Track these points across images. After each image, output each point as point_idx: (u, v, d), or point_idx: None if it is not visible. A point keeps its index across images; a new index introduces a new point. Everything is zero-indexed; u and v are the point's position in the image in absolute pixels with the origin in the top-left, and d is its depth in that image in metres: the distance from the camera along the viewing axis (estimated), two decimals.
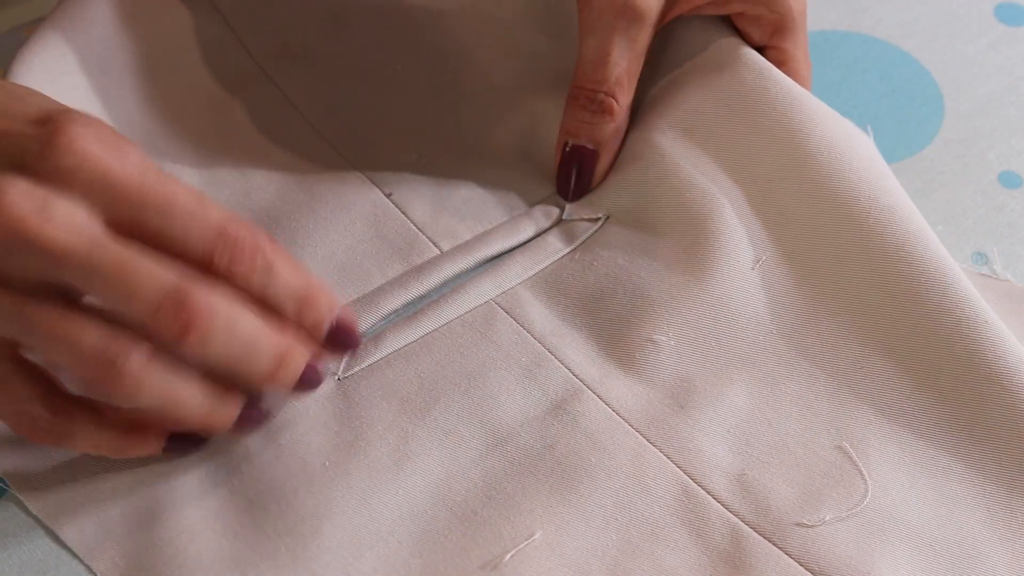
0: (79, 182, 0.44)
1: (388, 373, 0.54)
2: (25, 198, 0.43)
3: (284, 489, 0.51)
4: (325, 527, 0.50)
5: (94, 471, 0.51)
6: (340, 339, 0.49)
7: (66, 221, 0.43)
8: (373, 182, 0.61)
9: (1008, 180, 0.65)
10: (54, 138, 0.44)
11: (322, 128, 0.63)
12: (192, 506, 0.50)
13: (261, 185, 0.60)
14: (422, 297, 0.57)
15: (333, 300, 0.49)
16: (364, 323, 0.56)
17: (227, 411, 0.49)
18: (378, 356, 0.55)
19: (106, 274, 0.44)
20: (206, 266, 0.45)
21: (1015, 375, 0.53)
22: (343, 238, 0.59)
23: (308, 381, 0.49)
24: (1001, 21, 0.72)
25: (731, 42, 0.62)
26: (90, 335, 0.44)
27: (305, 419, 0.53)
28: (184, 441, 0.50)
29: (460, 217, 0.60)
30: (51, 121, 0.45)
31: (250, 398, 0.49)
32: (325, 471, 0.51)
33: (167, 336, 0.44)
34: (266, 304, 0.47)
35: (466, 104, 0.65)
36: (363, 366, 0.55)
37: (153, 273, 0.44)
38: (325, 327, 0.49)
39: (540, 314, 0.57)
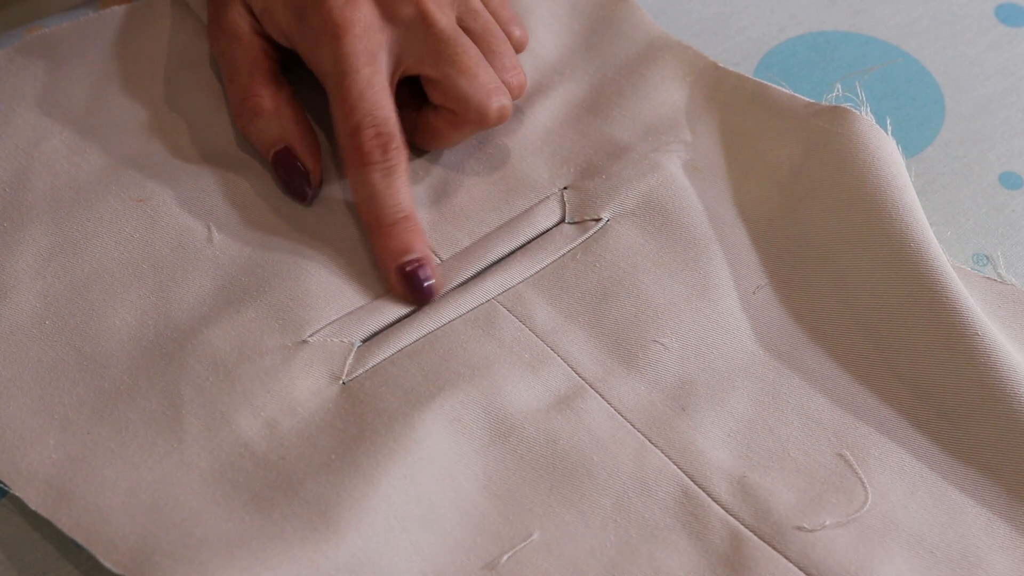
0: None
1: (392, 370, 0.55)
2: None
3: (290, 480, 0.51)
4: (332, 511, 0.50)
5: (91, 465, 0.51)
6: None
7: (447, 12, 0.60)
8: None
9: (1009, 181, 0.65)
10: None
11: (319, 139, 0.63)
12: (196, 497, 0.50)
13: (260, 196, 0.60)
14: None
15: None
16: (367, 330, 0.56)
17: (419, 238, 0.58)
18: (381, 357, 0.55)
19: (467, 53, 0.59)
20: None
21: (1007, 384, 0.54)
22: (343, 247, 0.59)
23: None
24: (1002, 22, 0.72)
25: (728, 76, 0.65)
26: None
27: (311, 424, 0.53)
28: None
29: (459, 224, 0.60)
30: None
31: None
32: (332, 462, 0.51)
33: (494, 111, 0.59)
34: None
35: None
36: (366, 368, 0.55)
37: (491, 72, 0.60)
38: None
39: (542, 312, 0.57)
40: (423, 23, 0.59)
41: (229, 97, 0.62)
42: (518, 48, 0.64)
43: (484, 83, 0.59)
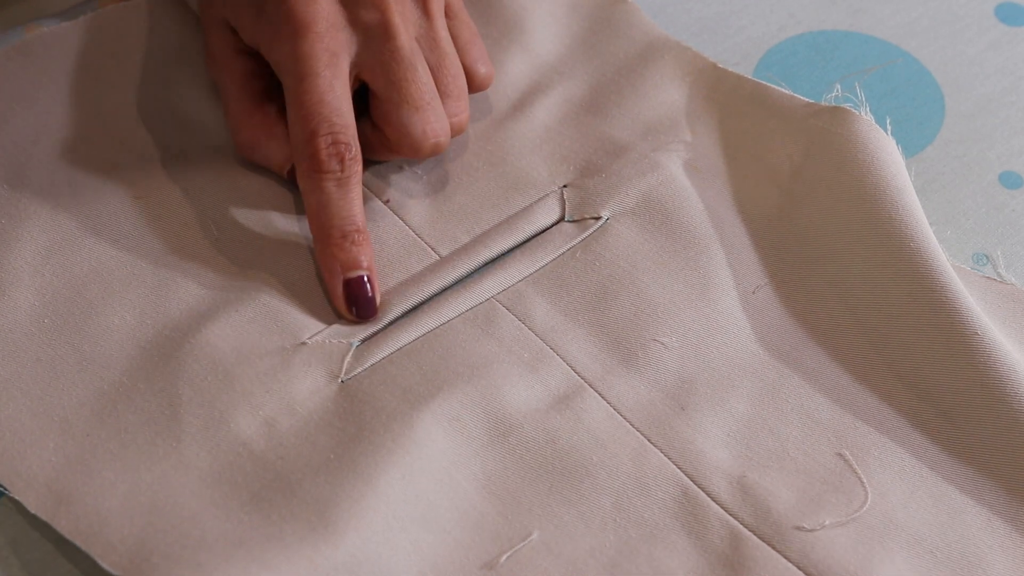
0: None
1: (390, 369, 0.55)
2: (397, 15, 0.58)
3: (289, 480, 0.51)
4: (331, 511, 0.50)
5: (91, 468, 0.51)
6: None
7: (409, 31, 0.59)
8: (370, 190, 0.61)
9: (1009, 180, 0.65)
10: None
11: None
12: (194, 498, 0.50)
13: (258, 192, 0.60)
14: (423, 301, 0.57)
15: None
16: (366, 330, 0.56)
17: (368, 253, 0.56)
18: (379, 356, 0.55)
19: (416, 81, 0.58)
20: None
21: (1007, 383, 0.54)
22: None
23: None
24: (1002, 21, 0.72)
25: (727, 76, 0.65)
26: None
27: (310, 423, 0.53)
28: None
29: (458, 221, 0.60)
30: None
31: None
32: (330, 462, 0.51)
33: (427, 148, 0.58)
34: None
35: None
36: (365, 367, 0.55)
37: (435, 104, 0.58)
38: None
39: (542, 311, 0.57)
40: (384, 34, 0.58)
41: (227, 126, 0.62)
42: (480, 86, 0.62)
43: (424, 117, 0.57)
